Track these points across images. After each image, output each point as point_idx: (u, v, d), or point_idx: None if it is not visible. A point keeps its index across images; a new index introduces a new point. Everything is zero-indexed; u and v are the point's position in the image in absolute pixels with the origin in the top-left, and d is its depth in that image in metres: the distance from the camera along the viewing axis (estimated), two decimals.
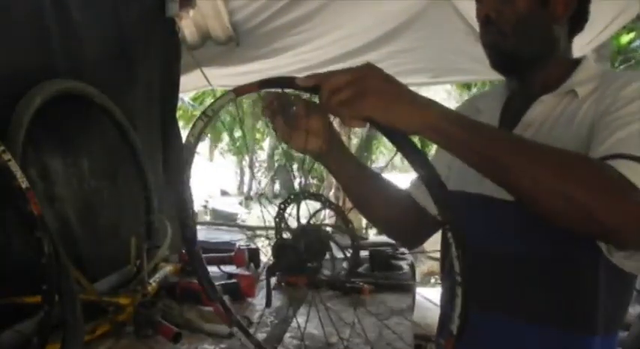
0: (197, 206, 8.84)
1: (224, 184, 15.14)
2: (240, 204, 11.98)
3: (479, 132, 0.66)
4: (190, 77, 2.52)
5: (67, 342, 0.85)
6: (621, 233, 0.64)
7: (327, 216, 4.57)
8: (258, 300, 1.42)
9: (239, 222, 8.15)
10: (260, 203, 0.91)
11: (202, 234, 2.16)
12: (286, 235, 0.78)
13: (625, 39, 6.32)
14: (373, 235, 3.76)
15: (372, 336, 1.17)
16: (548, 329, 0.82)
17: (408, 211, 1.01)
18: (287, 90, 0.75)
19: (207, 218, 9.49)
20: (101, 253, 1.36)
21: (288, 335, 1.19)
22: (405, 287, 1.58)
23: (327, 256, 0.78)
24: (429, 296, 2.87)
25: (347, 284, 1.48)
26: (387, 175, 1.03)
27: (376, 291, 1.52)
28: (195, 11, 2.09)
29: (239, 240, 2.09)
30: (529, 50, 0.86)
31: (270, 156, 13.72)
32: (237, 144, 14.20)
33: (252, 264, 1.74)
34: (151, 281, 1.30)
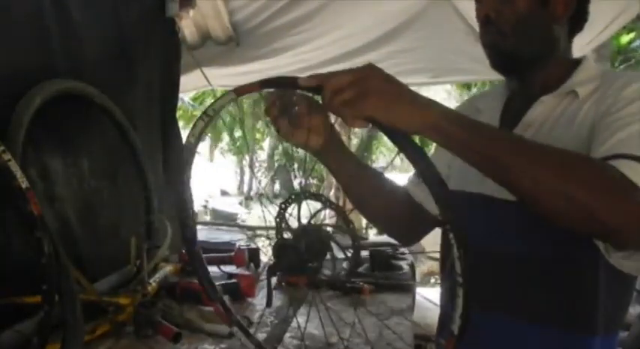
0: (197, 206, 8.84)
1: (224, 184, 15.15)
2: (240, 204, 11.98)
3: (479, 131, 0.66)
4: (190, 77, 2.52)
5: (67, 342, 0.85)
6: (623, 233, 0.64)
7: (327, 217, 4.57)
8: (259, 300, 1.42)
9: (239, 222, 8.16)
10: (261, 203, 0.91)
11: (202, 234, 2.16)
12: (287, 235, 0.78)
13: (625, 39, 6.32)
14: (373, 235, 3.76)
15: (372, 336, 1.17)
16: (550, 329, 0.82)
17: (405, 207, 1.01)
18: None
19: (207, 218, 9.49)
20: (101, 253, 1.36)
21: (288, 335, 1.19)
22: (405, 287, 1.58)
23: (328, 256, 0.78)
24: (429, 296, 2.87)
25: (347, 284, 1.48)
26: (387, 175, 1.03)
27: (376, 291, 1.52)
28: (195, 11, 2.10)
29: (239, 240, 2.09)
30: (529, 50, 0.86)
31: (270, 156, 13.72)
32: (237, 144, 14.20)
33: (252, 264, 1.74)
34: (151, 281, 1.30)
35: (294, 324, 1.23)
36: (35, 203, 0.80)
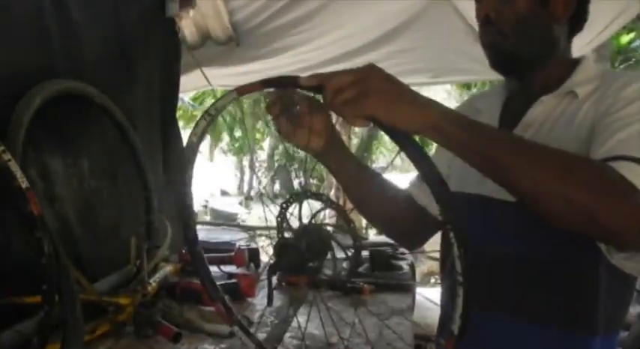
0: (197, 206, 8.84)
1: (224, 184, 15.15)
2: (240, 204, 11.98)
3: (478, 132, 0.66)
4: (190, 77, 2.52)
5: (67, 342, 0.85)
6: (622, 235, 0.64)
7: (327, 216, 4.57)
8: (259, 300, 1.42)
9: (239, 222, 8.16)
10: (262, 202, 0.91)
11: (202, 234, 2.16)
12: (288, 234, 0.78)
13: (625, 39, 6.31)
14: (373, 235, 3.76)
15: (372, 336, 1.17)
16: (550, 330, 0.82)
17: (408, 211, 1.01)
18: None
19: (207, 218, 9.49)
20: (101, 253, 1.36)
21: (288, 334, 1.19)
22: (405, 287, 1.58)
23: (329, 256, 0.78)
24: (429, 296, 2.87)
25: (348, 284, 1.48)
26: (388, 175, 1.03)
27: (376, 291, 1.52)
28: (195, 11, 2.10)
29: (239, 239, 2.09)
30: (529, 50, 0.86)
31: (270, 156, 13.72)
32: (237, 144, 14.20)
33: (252, 264, 1.73)
34: (151, 281, 1.30)
35: (294, 324, 1.23)
36: (35, 203, 0.80)
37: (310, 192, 0.79)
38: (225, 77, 2.76)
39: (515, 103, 0.92)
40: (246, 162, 15.47)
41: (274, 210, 0.84)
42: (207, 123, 0.78)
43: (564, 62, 0.89)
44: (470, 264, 0.58)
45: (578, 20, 0.89)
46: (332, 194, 6.19)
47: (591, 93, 0.82)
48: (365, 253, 1.77)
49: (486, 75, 2.69)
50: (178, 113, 2.23)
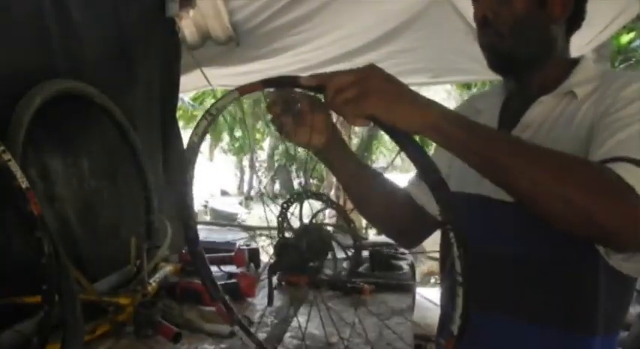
0: (197, 206, 8.84)
1: (224, 184, 15.15)
2: (240, 204, 11.98)
3: (477, 132, 0.66)
4: (190, 77, 2.52)
5: (67, 342, 0.85)
6: (620, 236, 0.64)
7: (327, 216, 4.57)
8: (259, 300, 1.42)
9: (239, 221, 8.16)
10: (263, 202, 0.91)
11: (202, 233, 2.16)
12: (288, 234, 0.78)
13: (625, 39, 6.31)
14: (373, 235, 3.76)
15: (372, 336, 1.17)
16: (550, 330, 0.82)
17: (406, 209, 1.01)
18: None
19: (207, 218, 9.49)
20: (101, 253, 1.36)
21: (288, 334, 1.19)
22: (405, 287, 1.58)
23: (329, 256, 0.78)
24: (429, 296, 2.87)
25: (348, 284, 1.48)
26: (388, 175, 1.03)
27: (376, 291, 1.52)
28: (195, 11, 2.10)
29: (239, 239, 2.09)
30: (526, 51, 0.86)
31: (270, 156, 13.72)
32: (238, 144, 14.20)
33: (252, 264, 1.73)
34: (151, 281, 1.30)
35: (294, 324, 1.23)
36: (35, 203, 0.80)
37: (311, 192, 0.79)
38: (225, 77, 2.76)
39: (514, 104, 0.92)
40: (246, 162, 15.47)
41: (275, 209, 0.84)
42: (208, 123, 0.78)
43: (562, 62, 0.88)
44: (470, 264, 0.58)
45: (575, 20, 0.88)
46: (332, 194, 6.19)
47: (590, 93, 0.81)
48: (365, 253, 1.78)
49: (486, 75, 2.68)
50: (178, 113, 2.23)
